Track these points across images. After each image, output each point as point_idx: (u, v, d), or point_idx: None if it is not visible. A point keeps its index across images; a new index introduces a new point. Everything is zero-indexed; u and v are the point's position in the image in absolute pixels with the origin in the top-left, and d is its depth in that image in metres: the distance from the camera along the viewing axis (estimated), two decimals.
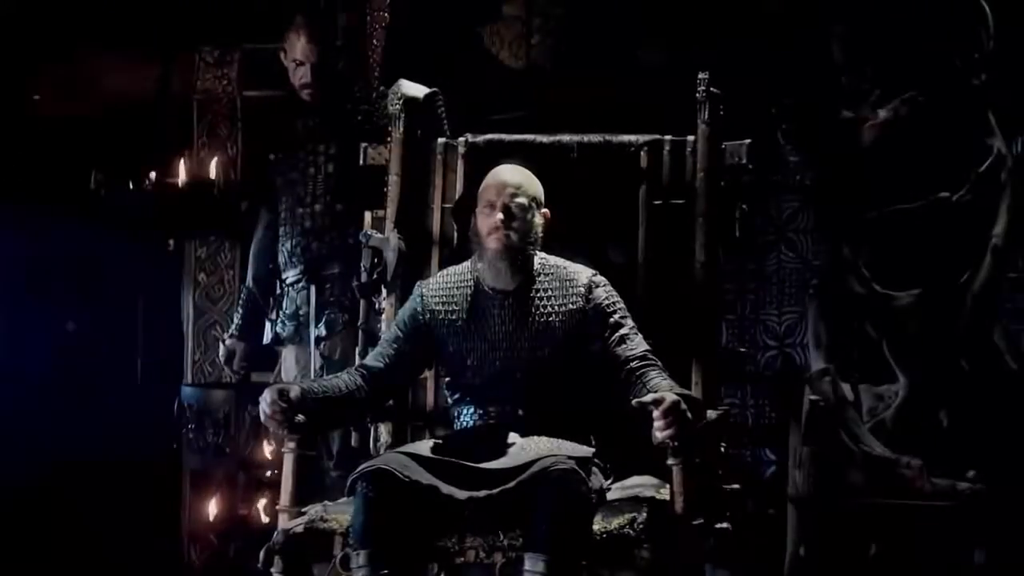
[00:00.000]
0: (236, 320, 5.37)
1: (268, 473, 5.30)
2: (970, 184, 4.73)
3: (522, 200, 4.11)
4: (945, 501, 4.42)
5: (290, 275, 5.13)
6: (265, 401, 3.98)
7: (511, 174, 4.15)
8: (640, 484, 4.07)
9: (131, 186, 5.78)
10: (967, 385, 4.65)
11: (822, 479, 4.42)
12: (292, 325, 5.12)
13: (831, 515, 4.47)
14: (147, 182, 5.75)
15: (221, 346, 5.41)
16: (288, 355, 5.18)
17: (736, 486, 4.31)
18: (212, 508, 5.42)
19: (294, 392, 4.01)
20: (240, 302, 5.39)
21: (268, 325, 5.21)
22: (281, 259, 5.16)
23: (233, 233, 6.05)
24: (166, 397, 6.18)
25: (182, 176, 5.82)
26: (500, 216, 4.09)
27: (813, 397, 4.53)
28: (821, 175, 4.99)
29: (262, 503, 5.32)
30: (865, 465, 4.46)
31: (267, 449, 5.30)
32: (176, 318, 6.28)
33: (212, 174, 5.91)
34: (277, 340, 5.18)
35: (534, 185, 4.16)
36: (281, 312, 5.16)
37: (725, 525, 4.09)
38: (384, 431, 4.48)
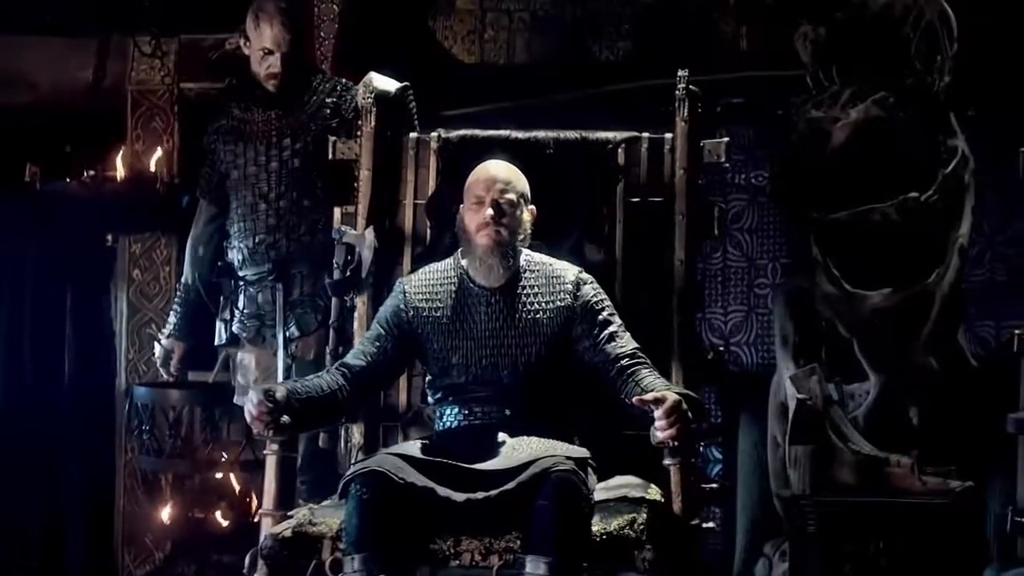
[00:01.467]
0: (173, 319, 5.14)
1: (220, 475, 5.16)
2: (937, 184, 4.77)
3: (511, 196, 4.06)
4: (937, 499, 4.46)
5: (249, 273, 4.94)
6: (251, 402, 3.88)
7: (500, 170, 4.09)
8: (625, 484, 4.02)
9: (68, 179, 5.59)
10: (937, 384, 4.69)
11: (817, 478, 4.42)
12: (254, 325, 4.94)
13: (827, 513, 4.47)
14: (85, 175, 5.55)
15: (157, 346, 5.20)
16: (247, 356, 4.98)
17: (714, 485, 4.31)
18: (166, 512, 5.24)
19: (280, 392, 3.91)
20: (179, 300, 5.17)
21: (221, 325, 5.02)
22: (237, 256, 4.96)
23: (170, 228, 5.87)
24: (95, 396, 6.02)
25: (120, 170, 5.65)
26: (490, 212, 4.02)
27: (800, 396, 4.53)
28: (786, 174, 4.98)
29: (219, 507, 5.17)
30: (855, 464, 4.47)
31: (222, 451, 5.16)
32: (106, 315, 6.09)
33: (152, 168, 5.74)
34: (234, 340, 4.99)
35: (522, 181, 4.11)
36: (238, 312, 4.97)
37: (712, 525, 4.08)
38: (356, 432, 4.39)
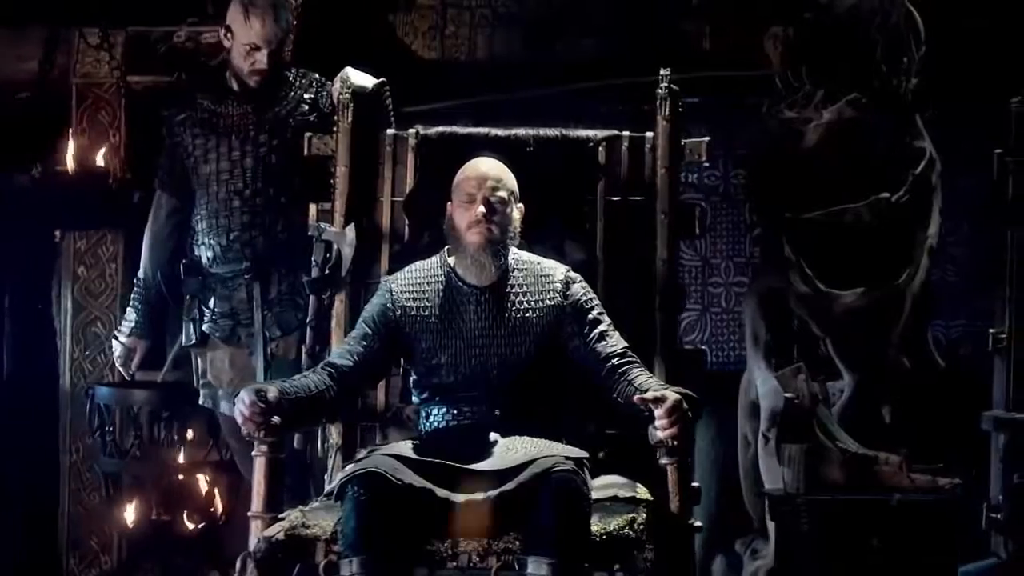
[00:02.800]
0: (134, 316, 4.98)
1: (182, 477, 5.05)
2: (908, 185, 4.82)
3: (502, 194, 4.03)
4: (926, 496, 4.51)
5: (222, 271, 4.82)
6: (243, 403, 3.80)
7: (490, 167, 4.06)
8: (612, 484, 4.00)
9: (15, 174, 5.43)
10: (908, 382, 4.74)
11: (811, 476, 4.44)
12: (227, 325, 4.82)
13: (821, 512, 4.50)
14: (34, 170, 5.40)
15: (117, 344, 5.04)
16: (220, 356, 4.85)
17: (696, 484, 4.30)
18: (130, 516, 5.11)
19: (272, 393, 3.84)
20: (138, 297, 5.00)
21: (189, 324, 4.88)
22: (206, 253, 4.82)
23: (117, 224, 5.72)
24: (37, 395, 5.86)
25: (71, 165, 5.50)
26: (482, 210, 3.98)
27: (788, 395, 4.55)
28: (758, 174, 5.01)
29: (185, 510, 5.06)
30: (843, 462, 4.51)
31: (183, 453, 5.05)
32: (47, 313, 5.93)
33: (100, 162, 5.60)
34: (204, 340, 4.87)
35: (511, 179, 4.08)
36: (208, 310, 4.85)
37: (699, 524, 4.07)
38: (334, 432, 4.32)
